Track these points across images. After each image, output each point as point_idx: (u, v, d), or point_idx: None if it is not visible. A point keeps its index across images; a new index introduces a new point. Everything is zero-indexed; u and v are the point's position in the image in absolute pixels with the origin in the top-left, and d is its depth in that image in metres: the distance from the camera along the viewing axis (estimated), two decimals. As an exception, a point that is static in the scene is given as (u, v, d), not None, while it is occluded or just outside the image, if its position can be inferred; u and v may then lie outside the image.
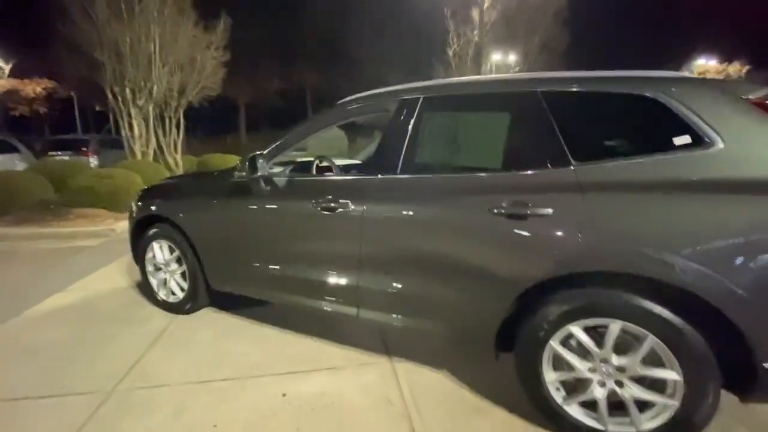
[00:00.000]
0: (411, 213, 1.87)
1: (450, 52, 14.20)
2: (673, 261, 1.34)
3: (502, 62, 15.76)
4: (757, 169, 1.35)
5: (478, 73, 11.36)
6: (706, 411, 1.40)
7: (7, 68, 20.15)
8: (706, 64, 25.37)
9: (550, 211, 1.53)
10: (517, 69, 15.65)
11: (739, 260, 1.29)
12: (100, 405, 1.82)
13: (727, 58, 25.34)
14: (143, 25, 8.10)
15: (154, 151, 9.41)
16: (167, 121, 9.88)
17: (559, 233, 1.52)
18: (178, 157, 10.21)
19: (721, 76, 21.01)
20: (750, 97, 1.43)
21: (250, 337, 2.42)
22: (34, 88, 23.02)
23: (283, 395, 1.87)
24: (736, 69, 24.48)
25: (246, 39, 16.99)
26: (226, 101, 21.72)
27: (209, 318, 2.71)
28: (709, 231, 1.36)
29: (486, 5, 13.74)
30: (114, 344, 2.37)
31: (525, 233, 1.58)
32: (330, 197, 2.02)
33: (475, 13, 13.98)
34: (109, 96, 8.47)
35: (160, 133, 9.55)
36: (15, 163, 8.44)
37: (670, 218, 1.41)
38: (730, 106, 1.43)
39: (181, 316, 2.72)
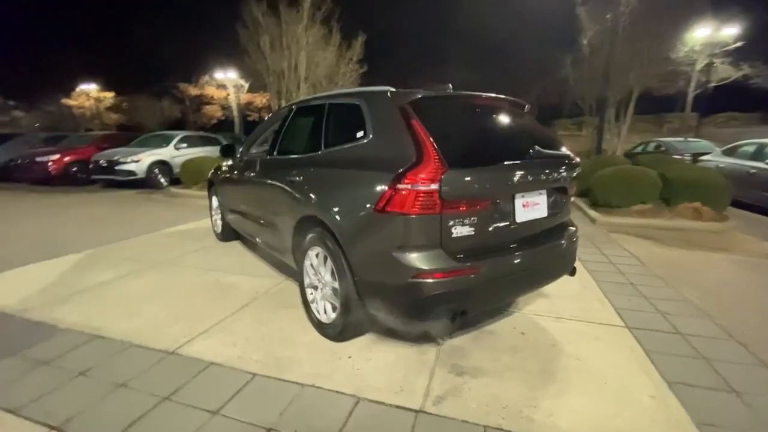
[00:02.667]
0: (268, 178, 3.19)
1: (584, 41, 12.86)
2: (332, 210, 2.30)
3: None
4: (383, 152, 2.10)
5: (612, 66, 10.23)
6: (358, 313, 2.25)
7: (246, 85, 28.90)
8: None
9: (300, 178, 2.64)
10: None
11: (356, 209, 2.14)
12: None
13: None
14: (293, 54, 11.13)
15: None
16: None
17: (307, 190, 2.56)
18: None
19: None
20: (401, 102, 2.13)
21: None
22: (261, 99, 31.70)
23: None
24: None
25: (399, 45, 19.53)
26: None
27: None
28: (345, 192, 2.26)
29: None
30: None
31: (294, 191, 2.70)
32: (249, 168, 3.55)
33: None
34: (275, 106, 12.03)
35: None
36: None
37: (336, 183, 2.36)
38: (385, 110, 2.20)
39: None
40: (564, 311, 2.88)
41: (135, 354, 2.33)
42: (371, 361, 2.25)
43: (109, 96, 31.10)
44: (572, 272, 2.67)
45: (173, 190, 9.17)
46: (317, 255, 2.48)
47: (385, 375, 2.12)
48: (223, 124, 30.21)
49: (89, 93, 30.58)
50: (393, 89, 2.25)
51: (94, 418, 1.82)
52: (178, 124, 30.40)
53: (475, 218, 1.99)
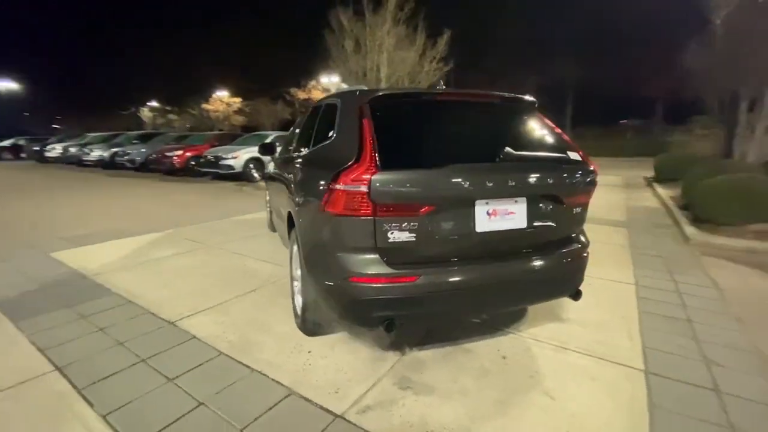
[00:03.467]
0: (280, 174, 3.38)
1: (717, 21, 10.36)
2: (296, 207, 2.41)
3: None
4: (337, 151, 2.08)
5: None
6: (314, 310, 2.32)
7: (345, 87, 30.81)
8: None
9: (291, 176, 2.78)
10: None
11: (309, 207, 2.21)
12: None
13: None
14: (375, 56, 11.48)
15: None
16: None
17: (291, 188, 2.70)
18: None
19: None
20: (362, 102, 2.09)
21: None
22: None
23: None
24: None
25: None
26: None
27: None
28: (304, 190, 2.32)
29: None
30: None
31: (287, 188, 2.86)
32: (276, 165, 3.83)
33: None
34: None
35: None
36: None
37: (301, 181, 2.43)
38: (349, 109, 2.18)
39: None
40: (572, 340, 2.46)
41: (145, 320, 2.73)
42: (326, 359, 2.25)
43: (237, 101, 36.14)
44: (575, 296, 2.27)
45: (261, 183, 10.30)
46: (295, 249, 2.57)
47: (331, 375, 2.11)
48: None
49: (222, 99, 35.99)
50: (365, 88, 2.21)
51: (88, 365, 2.20)
52: (289, 125, 33.86)
53: (416, 224, 1.84)
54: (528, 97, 2.43)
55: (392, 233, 1.81)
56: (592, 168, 2.23)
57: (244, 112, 35.62)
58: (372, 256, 1.84)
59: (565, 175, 2.12)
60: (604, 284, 3.38)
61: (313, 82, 29.69)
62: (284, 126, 32.70)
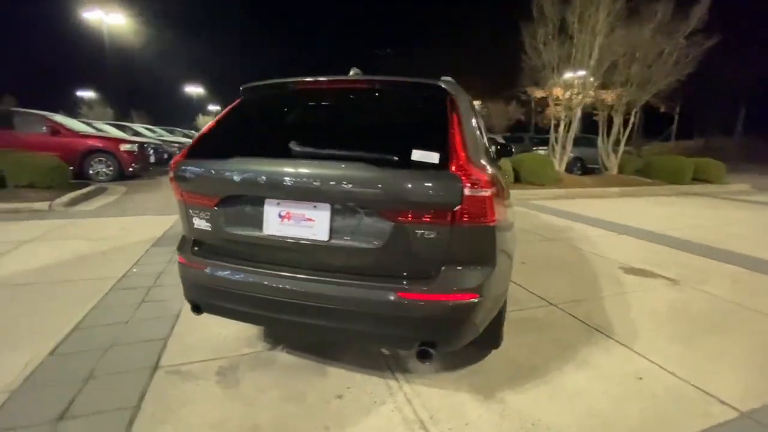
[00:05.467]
0: None
1: None
2: None
3: None
4: None
5: None
6: None
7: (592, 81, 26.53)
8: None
9: None
10: None
11: None
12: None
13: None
14: (586, 41, 9.56)
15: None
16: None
17: None
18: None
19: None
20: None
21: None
22: (610, 96, 28.10)
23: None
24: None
25: None
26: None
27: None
28: None
29: None
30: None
31: None
32: None
33: None
34: (551, 103, 10.93)
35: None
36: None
37: None
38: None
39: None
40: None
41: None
42: (196, 331, 2.42)
43: (476, 104, 37.70)
44: (421, 355, 1.57)
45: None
46: None
47: (198, 335, 2.34)
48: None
49: (463, 102, 38.40)
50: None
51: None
52: (520, 127, 32.57)
53: (209, 214, 1.79)
54: (421, 82, 1.82)
55: (195, 219, 1.86)
56: (458, 176, 1.47)
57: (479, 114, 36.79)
58: (188, 237, 1.96)
59: (392, 181, 1.50)
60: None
61: (551, 81, 27.16)
62: (515, 128, 31.57)
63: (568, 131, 10.84)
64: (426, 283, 1.56)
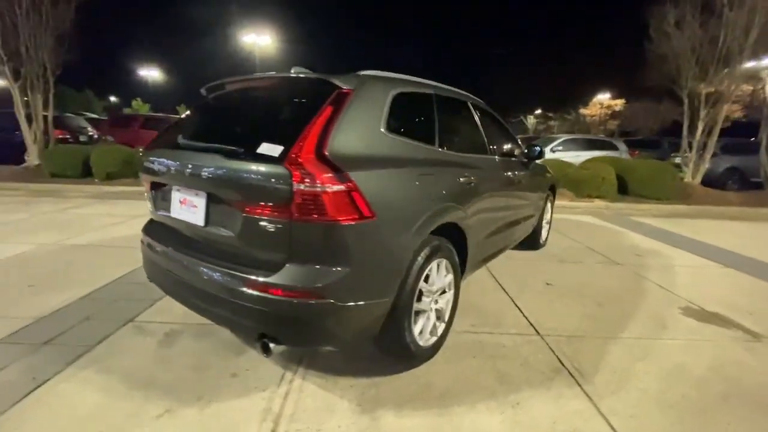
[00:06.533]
0: None
1: None
2: None
3: None
4: None
5: None
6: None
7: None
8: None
9: None
10: None
11: None
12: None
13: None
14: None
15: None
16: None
17: None
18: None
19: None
20: None
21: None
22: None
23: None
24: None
25: None
26: None
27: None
28: None
29: None
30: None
31: None
32: None
33: None
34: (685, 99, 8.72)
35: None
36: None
37: None
38: None
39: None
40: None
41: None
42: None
43: (619, 103, 32.59)
44: (263, 348, 1.60)
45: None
46: None
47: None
48: (741, 127, 23.06)
49: (602, 102, 33.59)
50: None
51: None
52: (676, 128, 26.85)
53: (150, 196, 2.13)
54: (317, 78, 1.81)
55: (148, 200, 2.24)
56: (288, 171, 1.45)
57: (620, 115, 31.66)
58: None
59: (231, 173, 1.57)
60: None
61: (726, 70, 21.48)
62: (670, 130, 26.09)
63: (709, 134, 8.58)
64: (268, 276, 1.58)
